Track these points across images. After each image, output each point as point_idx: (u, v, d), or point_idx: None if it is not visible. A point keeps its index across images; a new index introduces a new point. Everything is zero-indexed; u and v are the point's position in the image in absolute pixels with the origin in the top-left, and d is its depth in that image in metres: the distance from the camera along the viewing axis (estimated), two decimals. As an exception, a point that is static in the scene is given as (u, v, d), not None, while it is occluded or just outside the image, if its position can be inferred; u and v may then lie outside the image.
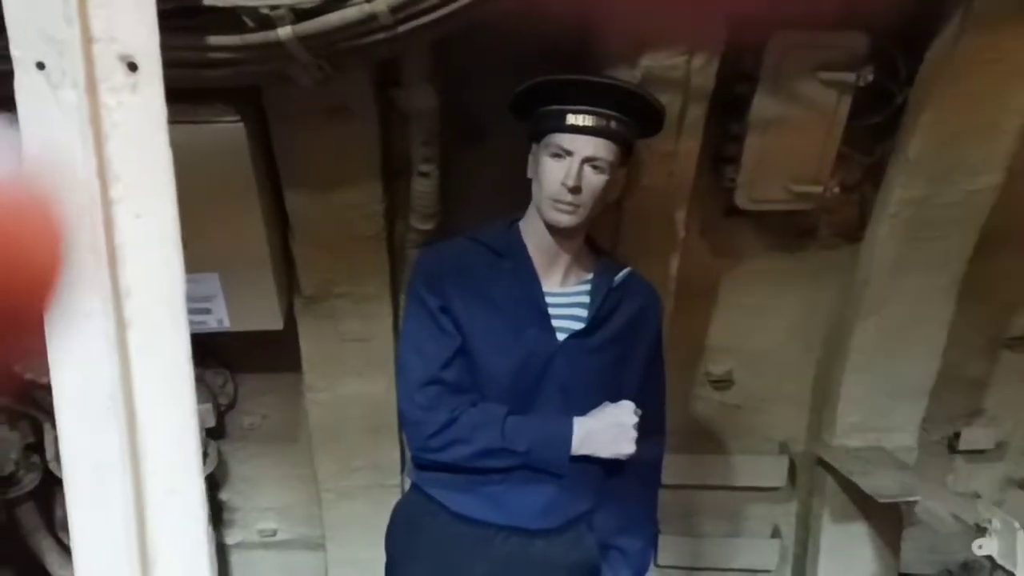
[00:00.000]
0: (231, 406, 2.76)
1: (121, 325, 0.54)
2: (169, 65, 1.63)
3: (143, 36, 0.49)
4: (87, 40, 0.49)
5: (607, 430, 1.74)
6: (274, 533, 2.99)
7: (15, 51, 0.50)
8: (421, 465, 1.80)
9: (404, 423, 1.80)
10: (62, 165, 0.51)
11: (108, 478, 0.55)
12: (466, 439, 1.72)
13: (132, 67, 0.49)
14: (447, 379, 1.74)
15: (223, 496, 2.89)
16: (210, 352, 2.60)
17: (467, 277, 1.79)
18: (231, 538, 2.96)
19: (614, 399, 1.79)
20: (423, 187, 2.07)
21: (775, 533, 2.94)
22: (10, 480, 2.47)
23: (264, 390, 2.77)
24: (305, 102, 1.90)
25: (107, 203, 0.51)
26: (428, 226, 2.16)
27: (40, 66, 0.49)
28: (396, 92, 1.93)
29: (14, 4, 0.48)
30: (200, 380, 2.62)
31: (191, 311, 2.13)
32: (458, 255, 1.83)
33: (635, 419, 1.74)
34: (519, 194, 1.91)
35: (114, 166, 0.51)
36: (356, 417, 2.54)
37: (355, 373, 2.46)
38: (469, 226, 2.10)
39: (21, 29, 0.49)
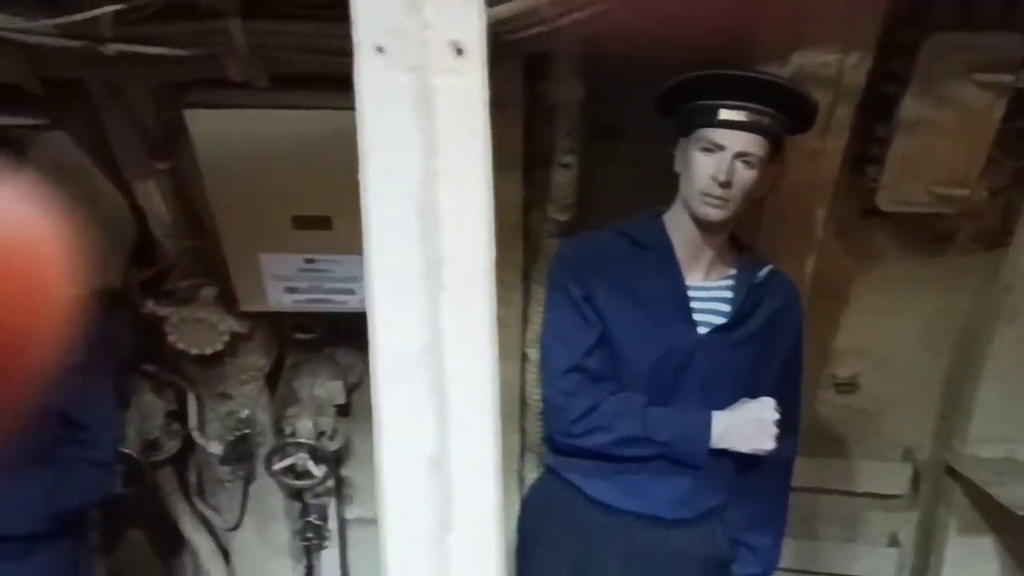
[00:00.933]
0: (358, 385, 2.85)
1: (437, 288, 0.58)
2: (323, 52, 1.70)
3: (471, 24, 0.54)
4: (422, 27, 0.54)
5: (747, 425, 1.75)
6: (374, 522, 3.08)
7: (358, 36, 0.55)
8: (560, 450, 1.84)
9: (546, 408, 1.84)
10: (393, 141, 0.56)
11: (415, 424, 0.60)
12: (607, 426, 1.75)
13: (459, 52, 0.54)
14: (589, 367, 1.78)
15: (345, 472, 2.98)
16: (341, 331, 2.70)
17: (610, 269, 1.82)
18: (350, 513, 3.05)
19: (751, 395, 1.80)
20: (563, 178, 2.10)
21: (893, 542, 2.89)
22: (153, 445, 2.61)
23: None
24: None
25: (431, 175, 0.56)
26: (565, 217, 2.20)
27: (380, 50, 0.54)
28: (544, 85, 1.97)
29: (361, -5, 0.53)
30: (331, 358, 2.72)
31: (335, 291, 2.22)
32: (602, 246, 1.87)
33: (776, 416, 1.75)
34: (654, 187, 1.93)
35: (439, 142, 0.56)
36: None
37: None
38: (603, 219, 2.13)
39: (365, 16, 0.54)
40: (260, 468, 2.69)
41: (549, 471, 1.94)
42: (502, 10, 1.58)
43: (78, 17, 1.56)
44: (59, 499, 1.88)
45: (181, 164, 2.11)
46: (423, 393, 0.62)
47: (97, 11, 1.55)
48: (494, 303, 0.60)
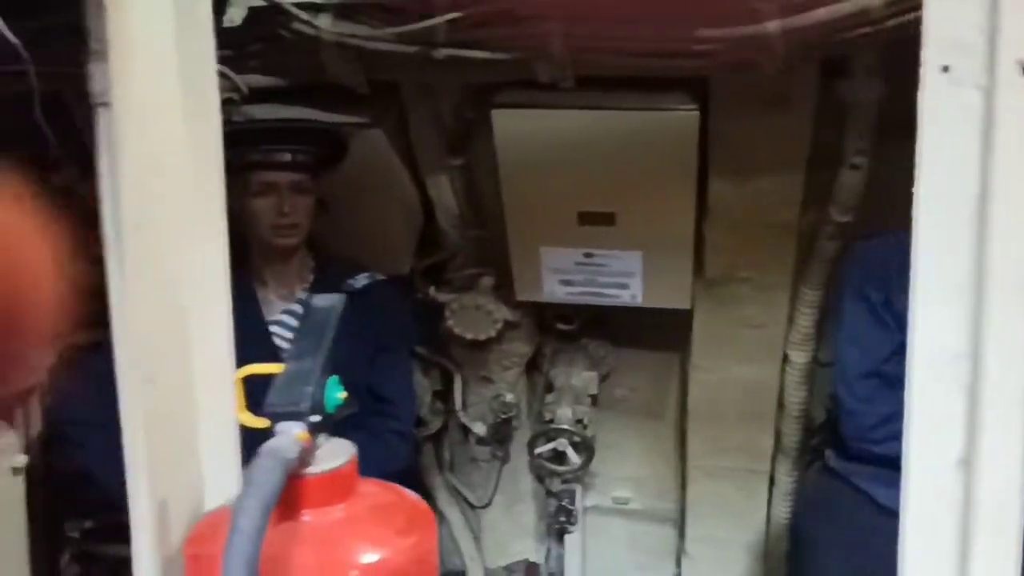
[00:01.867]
0: (606, 377, 2.92)
1: (980, 298, 0.61)
2: (638, 55, 1.76)
3: (1035, 43, 0.56)
4: (991, 45, 0.57)
5: None
6: (627, 502, 3.13)
7: (925, 55, 0.59)
8: (852, 456, 1.82)
9: (840, 411, 1.83)
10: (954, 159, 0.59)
11: (945, 426, 0.63)
12: (907, 434, 1.72)
13: (1025, 70, 0.56)
14: (888, 373, 1.75)
15: (585, 460, 3.06)
16: (598, 324, 2.77)
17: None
18: (587, 500, 3.13)
19: None
20: (851, 179, 2.07)
21: None
22: (419, 423, 2.77)
23: (638, 365, 2.90)
24: (749, 91, 1.97)
25: (987, 191, 0.59)
26: (845, 219, 2.16)
27: (945, 69, 0.58)
28: (840, 83, 1.95)
29: (934, 15, 0.57)
30: (585, 350, 2.80)
31: (609, 285, 2.30)
32: (903, 250, 1.82)
33: None
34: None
35: (998, 159, 0.58)
36: (736, 400, 2.60)
37: (744, 357, 2.51)
38: (884, 220, 2.08)
39: (936, 37, 0.58)
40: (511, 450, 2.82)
41: (831, 474, 1.93)
42: (824, 12, 1.58)
43: (419, 26, 1.70)
44: (369, 467, 2.04)
45: (473, 160, 2.25)
46: (956, 396, 0.65)
47: (436, 19, 1.68)
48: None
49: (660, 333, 2.77)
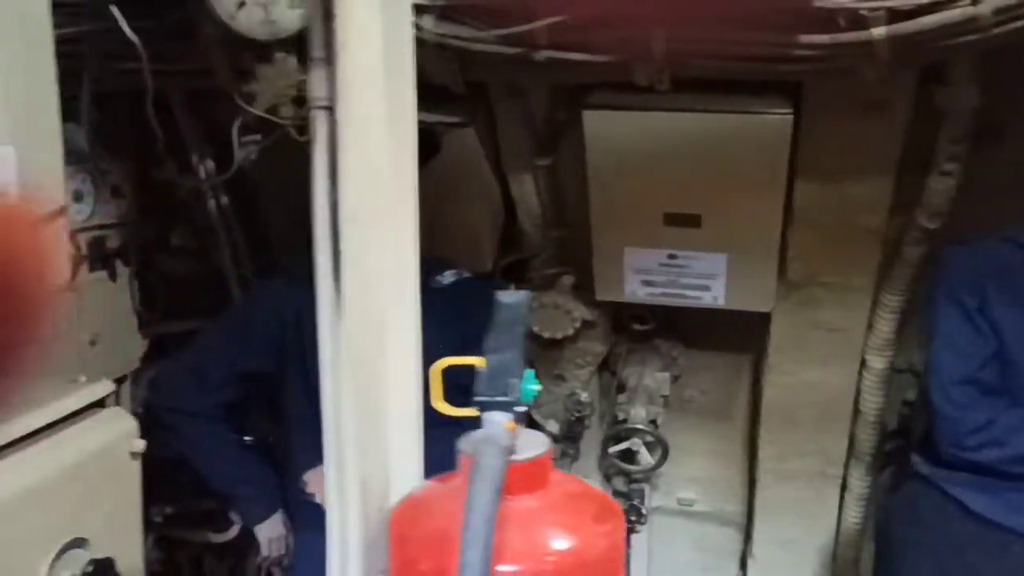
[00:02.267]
0: (676, 378, 2.93)
1: None
2: (737, 59, 1.78)
3: None
4: None
5: None
6: (692, 503, 3.14)
7: None
8: (945, 462, 1.82)
9: (934, 419, 1.82)
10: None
11: None
12: (1002, 441, 1.72)
13: None
14: (984, 379, 1.75)
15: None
16: (670, 325, 2.79)
17: (1008, 280, 1.78)
18: (652, 501, 3.14)
19: None
20: (942, 186, 2.06)
21: None
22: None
23: (708, 367, 2.91)
24: (844, 96, 1.97)
25: None
26: (934, 225, 2.15)
27: None
28: (938, 89, 1.94)
29: None
30: (657, 350, 2.82)
31: (691, 287, 2.31)
32: (998, 256, 1.82)
33: None
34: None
35: None
36: (811, 404, 2.60)
37: (820, 361, 2.51)
38: (974, 225, 2.06)
39: None
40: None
41: (920, 480, 1.92)
42: (931, 20, 1.58)
43: (524, 28, 1.73)
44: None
45: (558, 160, 2.27)
46: None
47: (543, 21, 1.70)
48: None
49: (731, 335, 2.78)
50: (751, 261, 2.21)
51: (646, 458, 2.62)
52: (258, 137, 2.17)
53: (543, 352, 2.70)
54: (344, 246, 1.10)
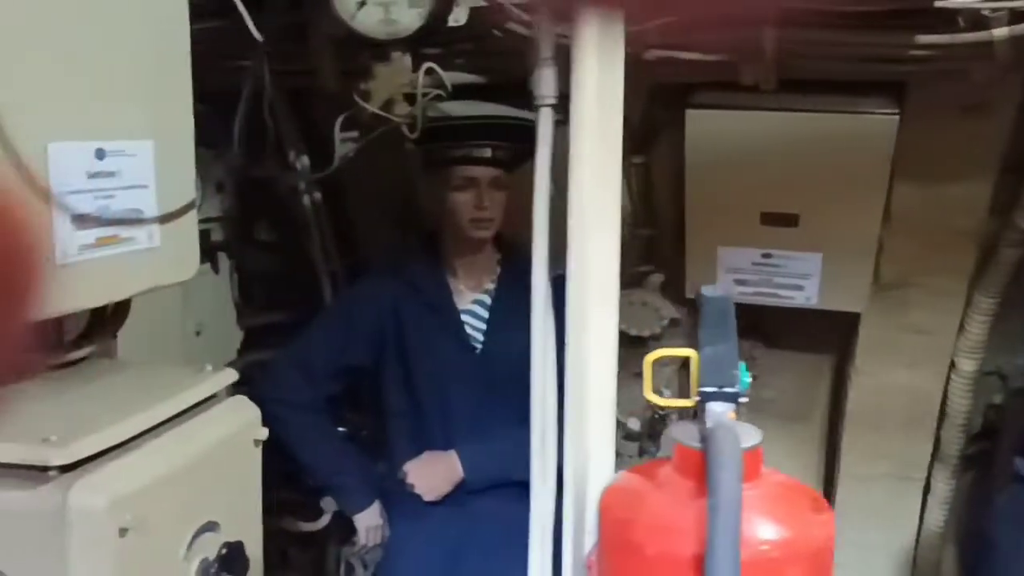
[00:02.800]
0: (755, 378, 2.92)
1: None
2: (848, 59, 1.78)
3: None
4: None
5: None
6: (765, 504, 3.13)
7: None
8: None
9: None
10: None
11: None
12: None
13: None
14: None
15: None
16: (755, 325, 2.78)
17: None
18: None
19: None
20: (1044, 187, 2.05)
21: None
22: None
23: (787, 367, 2.90)
24: (948, 97, 1.96)
25: None
26: (1032, 226, 2.14)
27: None
28: (1047, 91, 1.93)
29: None
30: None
31: (785, 286, 2.31)
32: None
33: None
34: None
35: None
36: (896, 407, 2.58)
37: (907, 364, 2.50)
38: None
39: None
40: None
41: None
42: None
43: (640, 27, 1.74)
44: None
45: (652, 159, 2.29)
46: None
47: (658, 20, 1.71)
48: None
49: (814, 336, 2.77)
50: (846, 261, 2.21)
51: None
52: (355, 135, 2.21)
53: (624, 350, 2.70)
54: (571, 242, 1.19)
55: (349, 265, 2.67)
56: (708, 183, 2.13)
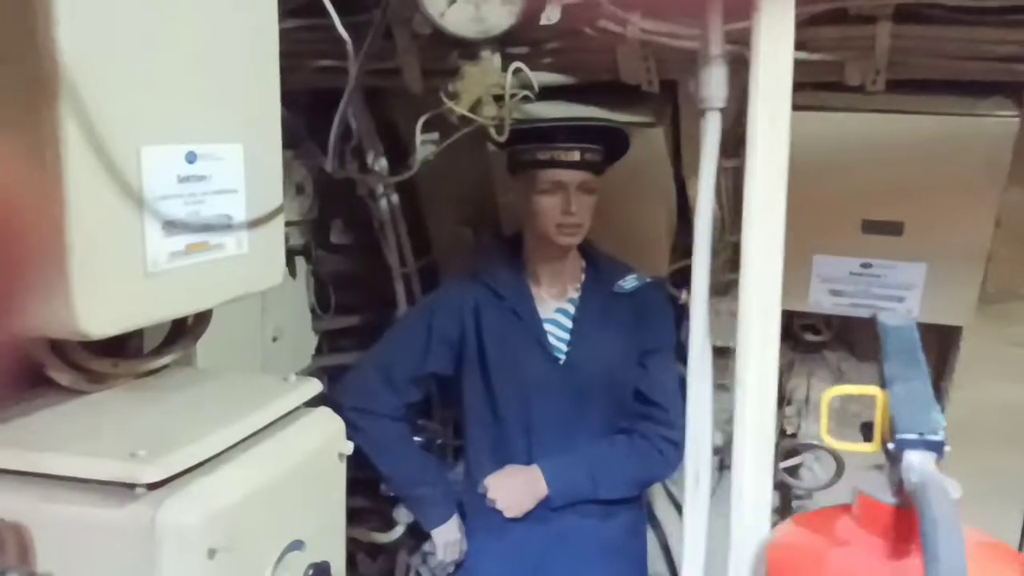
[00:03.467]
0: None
1: None
2: (965, 58, 1.66)
3: None
4: None
5: None
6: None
7: None
8: None
9: None
10: None
11: None
12: None
13: None
14: None
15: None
16: (842, 336, 2.67)
17: None
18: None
19: None
20: None
21: None
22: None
23: (874, 380, 2.77)
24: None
25: None
26: None
27: None
28: None
29: None
30: (825, 361, 2.70)
31: (884, 297, 2.19)
32: None
33: None
34: None
35: None
36: (994, 422, 2.45)
37: (1009, 378, 2.37)
38: None
39: None
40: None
41: None
42: None
43: (741, 25, 1.65)
44: (647, 470, 2.03)
45: (744, 163, 2.18)
46: None
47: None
48: None
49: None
50: (953, 271, 2.08)
51: (817, 475, 2.51)
52: (435, 136, 2.15)
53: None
54: (746, 251, 1.19)
55: (421, 268, 2.62)
56: (806, 189, 2.00)
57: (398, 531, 2.39)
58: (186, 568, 1.12)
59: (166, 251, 1.19)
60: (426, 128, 2.04)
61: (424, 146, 2.12)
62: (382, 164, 2.35)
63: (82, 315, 1.05)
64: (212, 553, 1.13)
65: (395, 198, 2.44)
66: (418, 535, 2.50)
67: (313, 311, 2.35)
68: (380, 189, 2.39)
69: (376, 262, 2.61)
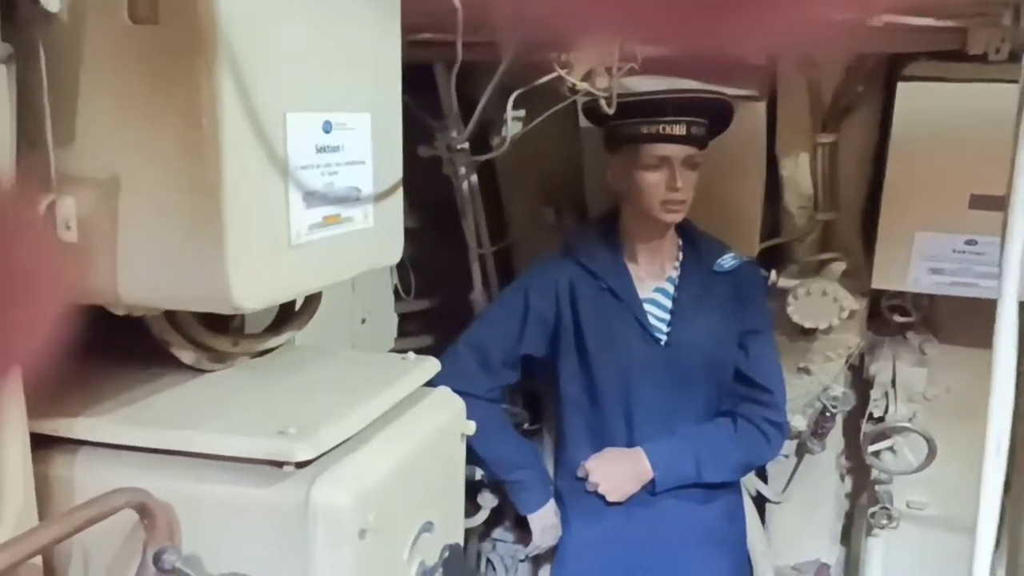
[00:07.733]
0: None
1: None
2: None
3: None
4: None
5: None
6: (923, 507, 2.95)
7: None
8: None
9: None
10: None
11: None
12: None
13: None
14: None
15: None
16: (925, 318, 2.61)
17: None
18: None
19: None
20: None
21: None
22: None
23: (958, 363, 2.71)
24: None
25: None
26: None
27: None
28: None
29: None
30: (910, 345, 2.64)
31: (987, 275, 2.12)
32: None
33: None
34: None
35: None
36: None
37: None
38: None
39: None
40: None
41: None
42: None
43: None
44: (752, 453, 1.99)
45: (840, 138, 2.13)
46: None
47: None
48: None
49: (989, 329, 2.57)
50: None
51: (907, 458, 2.45)
52: (521, 113, 2.10)
53: (789, 343, 2.56)
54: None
55: (497, 250, 2.57)
56: (913, 163, 1.96)
57: (482, 515, 2.34)
58: (338, 549, 1.08)
59: (307, 223, 1.15)
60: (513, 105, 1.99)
61: (514, 124, 2.07)
62: (465, 142, 2.30)
63: (236, 287, 1.01)
64: (363, 534, 1.09)
65: (474, 179, 2.39)
66: (488, 522, 2.46)
67: (396, 293, 2.31)
68: (462, 169, 2.34)
69: (449, 245, 2.56)
